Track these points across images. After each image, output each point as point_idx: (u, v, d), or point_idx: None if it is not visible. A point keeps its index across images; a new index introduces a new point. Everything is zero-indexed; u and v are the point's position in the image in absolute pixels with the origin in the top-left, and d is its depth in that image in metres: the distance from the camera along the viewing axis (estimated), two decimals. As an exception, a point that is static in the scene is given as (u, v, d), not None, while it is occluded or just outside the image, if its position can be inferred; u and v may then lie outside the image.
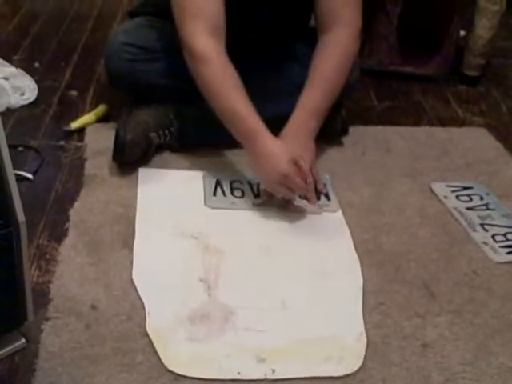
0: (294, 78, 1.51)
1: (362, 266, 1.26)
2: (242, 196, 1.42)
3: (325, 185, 1.43)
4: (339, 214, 1.40)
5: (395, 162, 1.62)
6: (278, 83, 1.59)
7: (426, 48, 2.12)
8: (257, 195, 1.42)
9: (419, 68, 2.13)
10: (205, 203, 1.38)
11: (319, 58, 1.45)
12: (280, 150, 1.33)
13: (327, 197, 1.44)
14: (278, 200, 1.38)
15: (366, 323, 1.13)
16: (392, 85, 2.08)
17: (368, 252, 1.30)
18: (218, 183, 1.45)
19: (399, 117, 1.87)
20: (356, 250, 1.30)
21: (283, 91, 1.55)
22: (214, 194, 1.42)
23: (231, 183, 1.45)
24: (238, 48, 1.38)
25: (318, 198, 1.39)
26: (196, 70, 1.37)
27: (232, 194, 1.42)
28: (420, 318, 1.15)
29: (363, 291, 1.20)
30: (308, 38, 1.52)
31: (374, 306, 1.17)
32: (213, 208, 1.37)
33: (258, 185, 1.44)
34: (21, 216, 0.91)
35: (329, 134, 1.65)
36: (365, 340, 1.09)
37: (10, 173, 0.89)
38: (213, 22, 1.37)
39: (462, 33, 2.17)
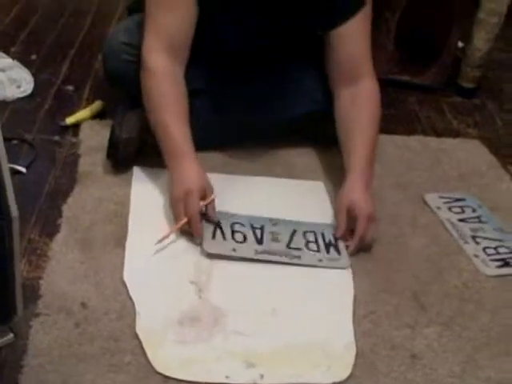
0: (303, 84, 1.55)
1: (353, 274, 1.26)
2: (244, 241, 1.30)
3: (335, 238, 1.34)
4: (349, 270, 1.28)
5: (388, 171, 1.62)
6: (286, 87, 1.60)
7: (423, 58, 2.13)
8: (260, 240, 1.31)
9: (416, 77, 2.13)
10: (202, 246, 1.26)
11: (360, 112, 1.46)
12: (193, 175, 1.30)
13: (337, 250, 1.31)
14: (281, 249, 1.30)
15: (355, 332, 1.13)
16: (388, 93, 2.08)
17: (359, 260, 1.30)
18: (217, 225, 1.31)
19: (394, 125, 1.87)
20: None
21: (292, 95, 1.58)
22: (214, 237, 1.28)
23: (232, 225, 1.32)
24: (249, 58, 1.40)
25: (328, 252, 1.31)
26: (143, 82, 1.39)
27: (233, 237, 1.30)
28: (409, 329, 1.16)
29: (354, 300, 1.20)
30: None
31: (363, 314, 1.17)
32: (211, 253, 1.24)
33: (262, 228, 1.34)
34: (14, 210, 0.90)
35: (323, 141, 1.67)
36: (354, 349, 1.09)
37: (5, 166, 0.87)
38: (173, 41, 1.39)
39: (460, 44, 2.18)
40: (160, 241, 1.24)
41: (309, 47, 1.60)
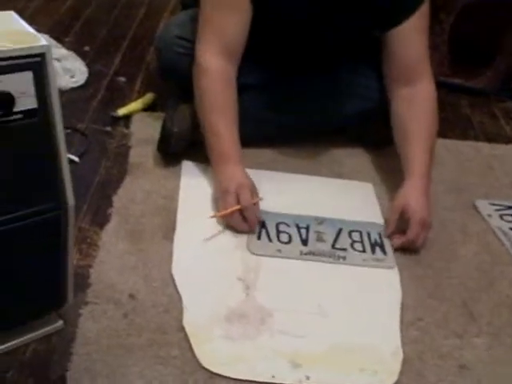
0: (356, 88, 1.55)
1: (401, 279, 1.25)
2: (289, 241, 1.30)
3: (380, 235, 1.35)
4: (395, 270, 1.27)
5: (439, 176, 1.58)
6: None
7: (476, 61, 2.09)
8: (305, 241, 1.31)
9: (469, 80, 2.09)
10: (247, 247, 1.26)
11: (418, 114, 1.45)
12: (236, 176, 1.31)
13: (383, 251, 1.31)
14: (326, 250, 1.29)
15: (402, 338, 1.11)
16: (440, 96, 2.04)
17: (408, 266, 1.28)
18: (263, 225, 1.32)
19: (445, 129, 1.84)
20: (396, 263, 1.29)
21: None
22: (259, 237, 1.29)
23: (277, 225, 1.33)
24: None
25: (373, 252, 1.30)
26: (196, 82, 1.40)
27: (278, 238, 1.31)
28: (458, 338, 1.13)
29: (401, 306, 1.18)
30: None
31: (411, 321, 1.16)
32: (256, 254, 1.24)
33: (307, 228, 1.34)
34: (71, 199, 0.91)
35: (373, 141, 1.65)
36: (401, 355, 1.07)
37: (64, 155, 0.89)
38: (228, 42, 1.39)
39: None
40: (211, 217, 1.28)
41: (363, 45, 1.58)
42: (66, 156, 0.90)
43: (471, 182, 1.60)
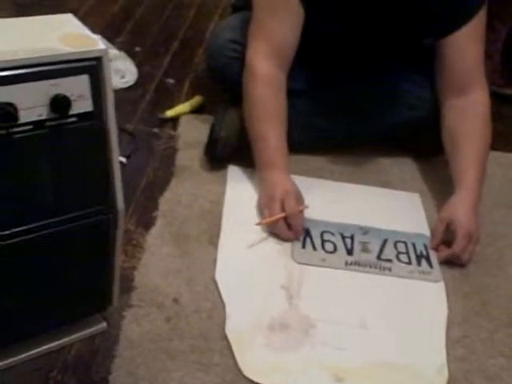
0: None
1: (447, 294, 1.22)
2: (334, 251, 1.30)
3: (426, 246, 1.33)
4: (441, 284, 1.24)
5: (490, 189, 1.54)
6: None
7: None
8: (350, 251, 1.30)
9: (522, 91, 2.05)
10: (291, 256, 1.25)
11: (470, 124, 1.42)
12: (282, 183, 1.31)
13: (429, 263, 1.28)
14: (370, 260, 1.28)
15: (447, 355, 1.09)
16: (491, 107, 2.00)
17: (454, 281, 1.26)
18: (307, 233, 1.31)
19: (497, 142, 1.79)
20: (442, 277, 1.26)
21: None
22: (303, 246, 1.29)
23: (322, 234, 1.32)
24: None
25: (419, 264, 1.28)
26: (245, 86, 1.39)
27: (323, 247, 1.30)
28: (505, 358, 1.10)
29: (447, 322, 1.16)
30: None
31: (457, 338, 1.13)
32: (300, 263, 1.23)
33: (352, 237, 1.33)
34: (120, 203, 0.92)
35: (421, 151, 1.62)
36: (446, 374, 1.05)
37: (117, 160, 0.89)
38: (279, 47, 1.38)
39: None
40: (257, 224, 1.27)
41: (413, 53, 1.56)
42: (118, 161, 0.90)
43: (522, 196, 1.57)
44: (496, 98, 2.00)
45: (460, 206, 1.32)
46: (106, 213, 0.90)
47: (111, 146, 0.87)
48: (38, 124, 0.78)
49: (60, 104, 0.78)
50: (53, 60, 0.76)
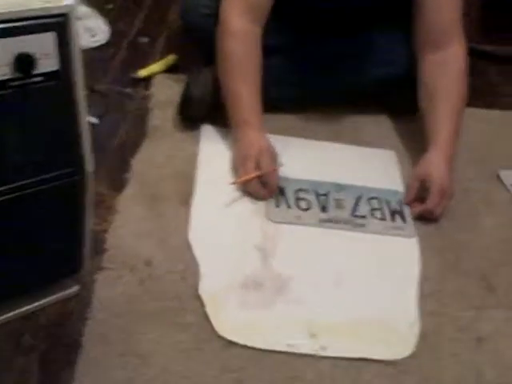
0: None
1: (421, 250, 1.23)
2: (309, 208, 1.29)
3: (400, 202, 1.33)
4: (415, 240, 1.25)
5: (464, 145, 1.54)
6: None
7: (508, 27, 2.02)
8: (324, 208, 1.29)
9: (499, 48, 2.03)
10: (266, 214, 1.24)
11: (447, 79, 1.41)
12: (257, 141, 1.29)
13: (403, 219, 1.29)
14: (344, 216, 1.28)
15: (420, 310, 1.10)
16: (469, 63, 1.99)
17: (428, 236, 1.26)
18: (282, 192, 1.30)
19: (472, 98, 1.78)
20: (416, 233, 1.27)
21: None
22: (278, 204, 1.27)
23: (296, 192, 1.31)
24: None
25: (393, 220, 1.28)
26: (219, 43, 1.37)
27: (297, 205, 1.29)
28: (476, 311, 1.12)
29: (420, 277, 1.17)
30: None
31: (429, 293, 1.14)
32: (274, 221, 1.23)
33: (327, 194, 1.32)
34: (89, 165, 0.90)
35: (398, 107, 1.61)
36: (418, 327, 1.06)
37: (85, 120, 0.88)
38: (254, 2, 1.35)
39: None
40: (231, 183, 1.26)
41: (391, 9, 1.54)
42: (87, 122, 0.88)
43: (496, 151, 1.57)
44: (474, 55, 2.00)
45: (434, 162, 1.32)
46: (75, 175, 0.89)
47: (79, 107, 0.86)
48: (1, 84, 0.76)
49: (24, 63, 0.76)
50: (16, 16, 0.74)
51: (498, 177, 1.47)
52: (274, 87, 1.44)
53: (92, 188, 0.92)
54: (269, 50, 1.42)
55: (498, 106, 1.79)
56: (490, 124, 1.68)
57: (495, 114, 1.74)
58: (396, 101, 1.62)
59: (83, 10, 1.75)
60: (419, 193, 1.32)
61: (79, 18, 1.66)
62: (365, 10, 1.50)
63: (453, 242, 1.26)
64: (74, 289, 1.03)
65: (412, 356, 1.02)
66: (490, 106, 1.77)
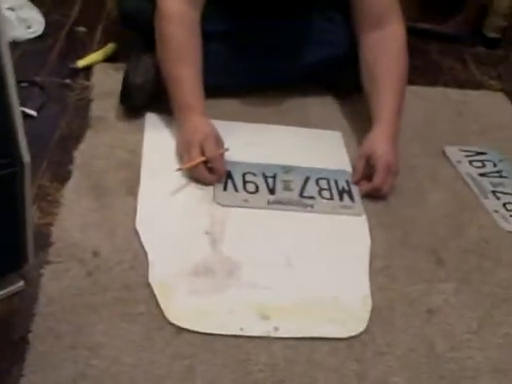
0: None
1: (370, 227, 1.24)
2: (256, 191, 1.28)
3: (348, 182, 1.34)
4: (363, 218, 1.26)
5: (408, 123, 1.55)
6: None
7: (447, 5, 2.05)
8: (272, 190, 1.29)
9: (438, 25, 2.06)
10: (214, 200, 1.23)
11: (387, 57, 1.42)
12: (200, 126, 1.28)
13: (351, 198, 1.30)
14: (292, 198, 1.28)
15: (371, 286, 1.11)
16: (408, 42, 2.00)
17: (377, 214, 1.27)
18: (229, 175, 1.29)
19: (415, 76, 1.80)
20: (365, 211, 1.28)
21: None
22: (225, 188, 1.26)
23: (244, 175, 1.30)
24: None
25: (341, 199, 1.29)
26: (157, 29, 1.35)
27: (245, 188, 1.29)
28: (426, 284, 1.13)
29: (370, 254, 1.18)
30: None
31: (379, 268, 1.15)
32: (222, 205, 1.22)
33: (274, 176, 1.32)
34: (26, 157, 0.88)
35: (343, 89, 1.62)
36: (369, 303, 1.07)
37: (17, 110, 0.85)
38: None
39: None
40: (177, 170, 1.25)
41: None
42: (20, 110, 0.85)
43: (440, 128, 1.59)
44: (413, 33, 2.02)
45: (379, 139, 1.33)
46: (11, 166, 0.86)
47: (9, 96, 0.83)
48: None
49: None
50: None
51: (444, 153, 1.49)
52: (214, 74, 1.42)
53: (29, 179, 0.89)
54: (208, 37, 1.41)
55: (441, 83, 1.82)
56: (434, 101, 1.70)
57: (438, 91, 1.77)
58: (340, 82, 1.62)
59: (16, 0, 1.70)
60: (366, 171, 1.33)
61: (12, 9, 1.62)
62: None
63: (401, 218, 1.28)
64: (20, 285, 1.00)
65: (365, 331, 1.02)
66: (432, 83, 1.80)
